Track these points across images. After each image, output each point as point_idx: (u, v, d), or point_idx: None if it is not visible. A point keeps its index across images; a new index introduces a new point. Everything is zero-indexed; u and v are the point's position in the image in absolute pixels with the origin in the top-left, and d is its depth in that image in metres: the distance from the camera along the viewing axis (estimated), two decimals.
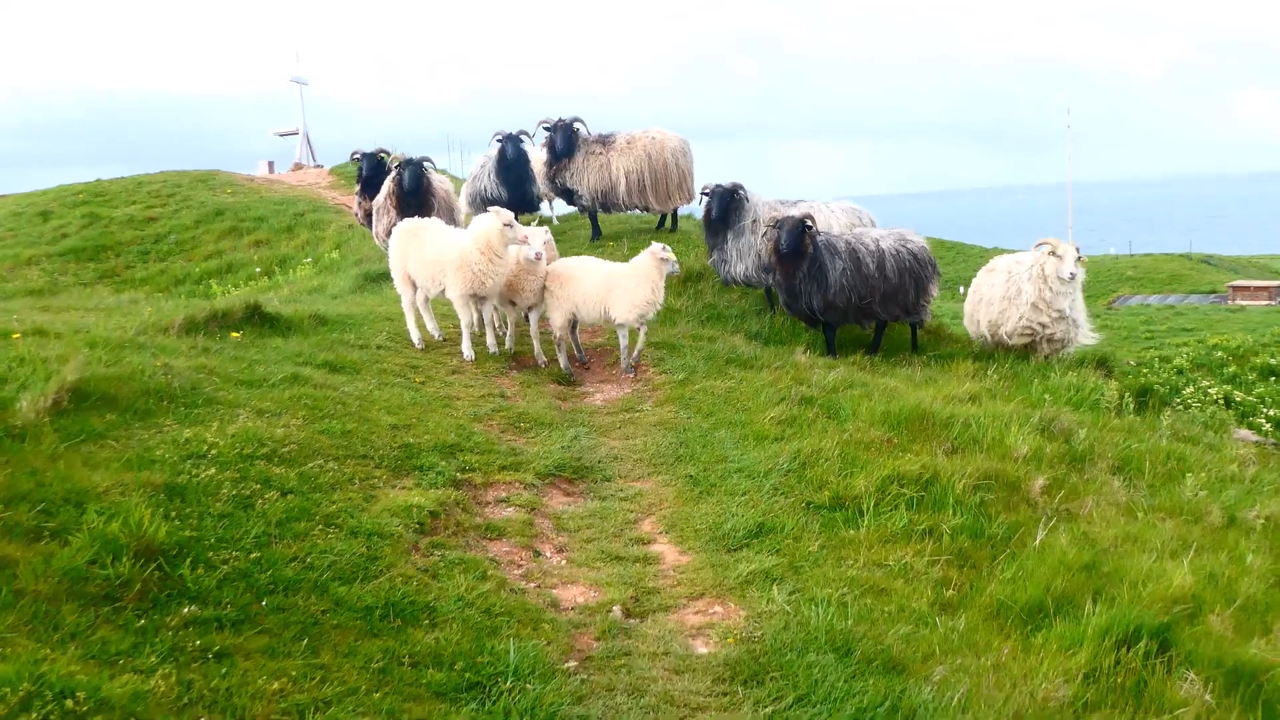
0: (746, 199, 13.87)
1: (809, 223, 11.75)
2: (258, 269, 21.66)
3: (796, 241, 11.56)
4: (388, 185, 16.00)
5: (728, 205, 13.71)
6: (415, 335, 10.69)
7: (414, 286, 10.65)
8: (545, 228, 13.01)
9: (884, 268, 12.32)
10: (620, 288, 10.52)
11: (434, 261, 10.30)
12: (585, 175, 16.66)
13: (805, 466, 7.80)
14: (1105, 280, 53.14)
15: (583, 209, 17.59)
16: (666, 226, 18.17)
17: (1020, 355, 12.95)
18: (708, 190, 13.94)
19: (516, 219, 18.47)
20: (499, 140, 17.65)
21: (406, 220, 10.71)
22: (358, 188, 18.10)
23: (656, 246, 10.71)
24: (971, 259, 56.61)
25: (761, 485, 7.52)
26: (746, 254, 13.68)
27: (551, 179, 16.90)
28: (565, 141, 16.45)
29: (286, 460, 6.59)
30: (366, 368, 9.23)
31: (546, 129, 16.73)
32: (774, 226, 11.81)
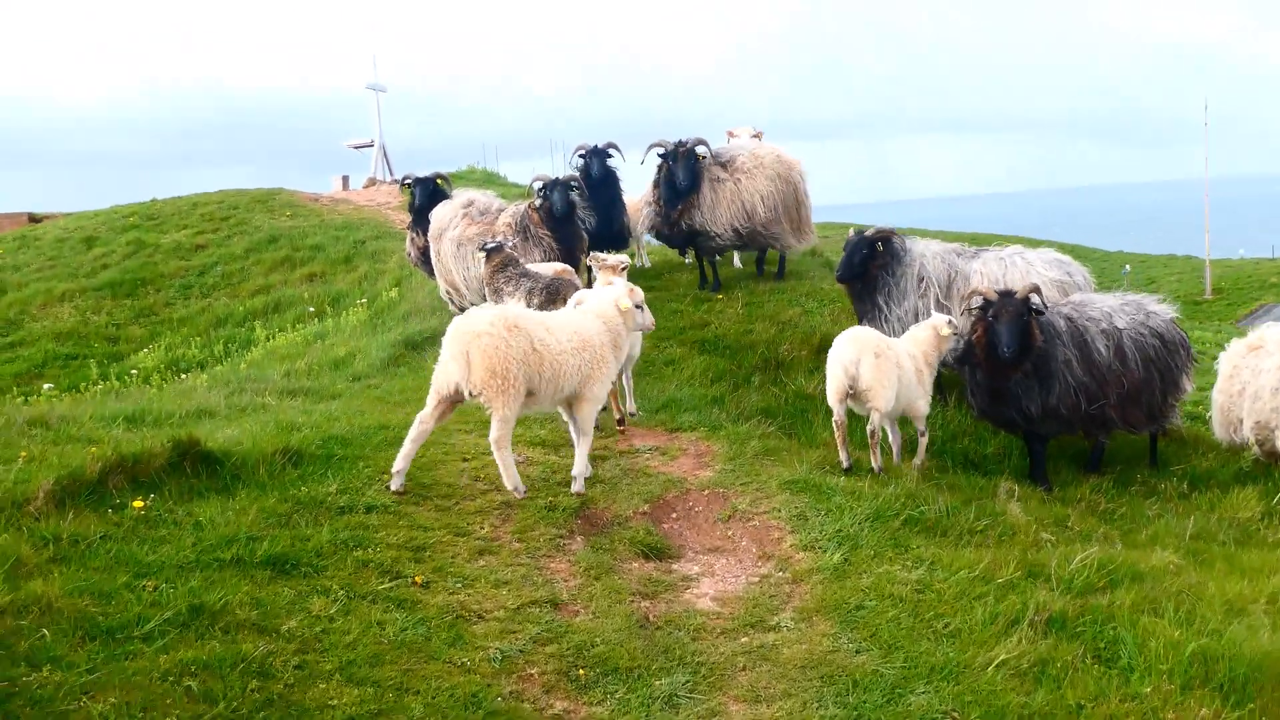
0: (903, 250, 10.18)
1: (1035, 304, 8.09)
2: (310, 308, 18.61)
3: (1021, 338, 8.04)
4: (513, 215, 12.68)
5: (867, 260, 10.11)
6: (516, 479, 7.14)
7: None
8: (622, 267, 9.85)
9: (1124, 357, 8.58)
10: (922, 371, 8.45)
11: (578, 351, 7.23)
12: (718, 209, 13.03)
13: None
14: (1245, 288, 48.03)
15: (713, 254, 13.98)
16: (770, 270, 14.50)
17: None
18: (855, 238, 10.31)
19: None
20: (581, 156, 14.23)
21: (509, 311, 7.17)
22: (410, 219, 14.87)
23: (940, 319, 8.69)
24: (1093, 262, 51.21)
25: None
26: (910, 323, 9.98)
27: (674, 223, 13.05)
28: (689, 172, 12.76)
29: None
30: (336, 560, 5.78)
31: (660, 154, 13.09)
32: (984, 310, 8.18)
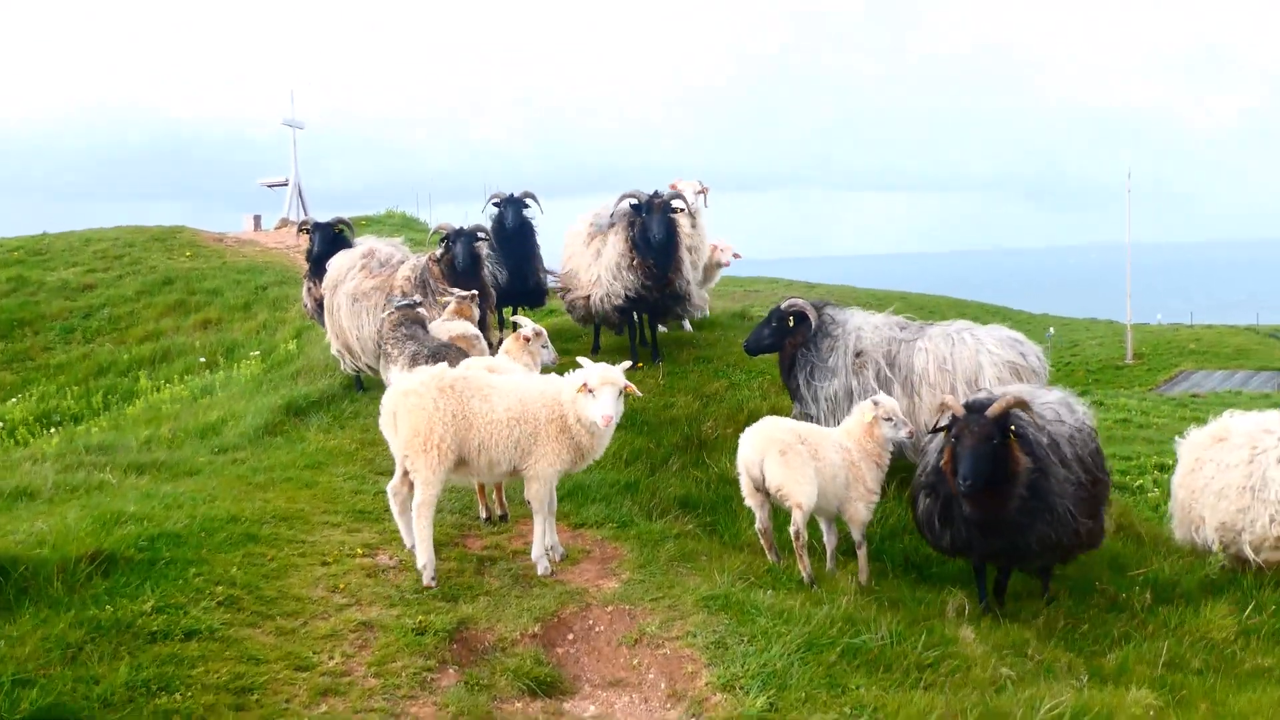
0: (831, 324, 9.29)
1: (1016, 422, 6.84)
2: (201, 359, 17.23)
3: (989, 467, 6.61)
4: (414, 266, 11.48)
5: (779, 334, 9.40)
6: (429, 557, 6.54)
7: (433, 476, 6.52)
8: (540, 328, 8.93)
9: (1085, 466, 7.56)
10: (857, 465, 7.32)
11: (515, 422, 6.64)
12: (690, 271, 12.14)
13: None
14: (1164, 354, 48.67)
15: (664, 322, 12.99)
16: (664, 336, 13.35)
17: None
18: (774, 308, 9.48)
19: (517, 312, 14.09)
20: (495, 205, 13.13)
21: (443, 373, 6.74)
22: (306, 268, 13.65)
23: (865, 405, 7.54)
24: (1019, 324, 51.14)
25: None
26: (843, 404, 9.04)
27: (666, 286, 11.70)
28: (664, 229, 11.34)
29: None
30: (130, 713, 4.52)
31: (632, 205, 11.66)
32: (950, 428, 6.82)
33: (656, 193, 11.45)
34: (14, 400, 16.50)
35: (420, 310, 9.58)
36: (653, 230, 11.22)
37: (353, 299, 11.47)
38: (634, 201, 11.52)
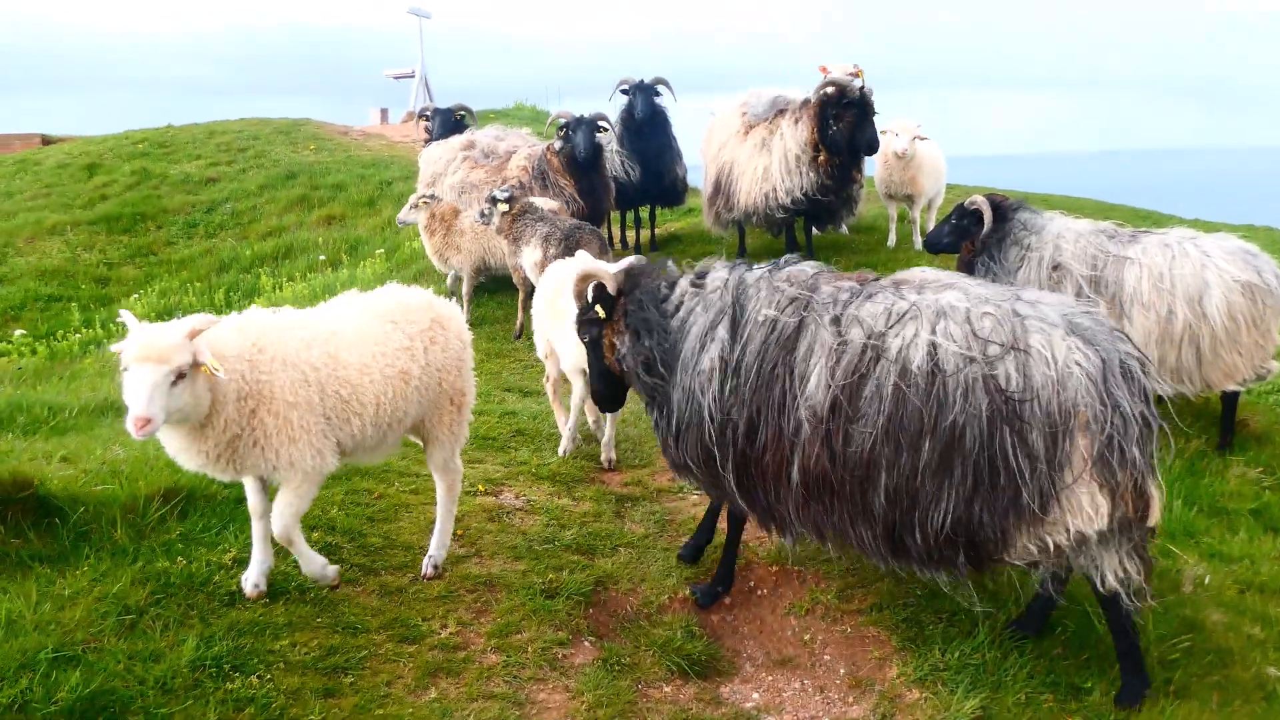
0: (1024, 230, 7.86)
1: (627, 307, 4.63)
2: (321, 256, 16.58)
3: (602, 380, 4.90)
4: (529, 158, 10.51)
5: (958, 233, 8.04)
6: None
7: None
8: None
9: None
10: None
11: None
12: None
13: None
14: None
15: (843, 223, 11.54)
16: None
17: None
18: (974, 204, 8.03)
19: (654, 213, 12.92)
20: (624, 92, 11.90)
21: None
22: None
23: None
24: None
25: None
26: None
27: (838, 191, 10.42)
28: (874, 133, 10.03)
29: None
30: (194, 702, 3.68)
31: (830, 93, 9.94)
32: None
33: (865, 86, 9.86)
34: (135, 296, 16.12)
35: (530, 200, 8.82)
36: (866, 133, 9.79)
37: (459, 192, 10.59)
38: (831, 91, 9.90)
